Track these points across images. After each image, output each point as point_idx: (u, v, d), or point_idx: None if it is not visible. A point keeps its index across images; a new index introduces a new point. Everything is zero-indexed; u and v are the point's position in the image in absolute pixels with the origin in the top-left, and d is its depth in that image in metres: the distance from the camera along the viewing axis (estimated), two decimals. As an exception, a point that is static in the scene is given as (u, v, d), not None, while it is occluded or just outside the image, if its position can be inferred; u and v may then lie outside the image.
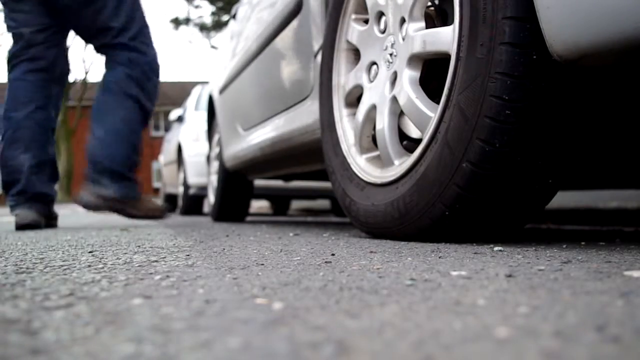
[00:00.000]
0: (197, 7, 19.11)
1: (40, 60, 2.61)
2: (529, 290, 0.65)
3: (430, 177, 1.24)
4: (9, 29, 2.62)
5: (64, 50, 2.75)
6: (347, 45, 1.72)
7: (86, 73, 29.58)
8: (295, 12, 2.12)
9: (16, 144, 2.53)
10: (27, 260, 1.09)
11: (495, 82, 1.08)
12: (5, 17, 2.62)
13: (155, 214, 2.78)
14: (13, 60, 2.62)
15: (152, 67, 2.71)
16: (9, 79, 2.64)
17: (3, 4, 2.61)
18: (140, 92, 2.64)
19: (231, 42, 3.33)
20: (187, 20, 19.21)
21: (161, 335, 0.48)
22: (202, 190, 6.15)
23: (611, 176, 1.97)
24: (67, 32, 2.74)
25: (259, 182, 4.61)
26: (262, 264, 0.98)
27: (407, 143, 1.48)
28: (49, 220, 2.67)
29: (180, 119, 7.50)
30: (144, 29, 2.71)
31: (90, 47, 2.80)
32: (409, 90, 1.36)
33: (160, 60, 2.80)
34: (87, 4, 2.55)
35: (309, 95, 2.06)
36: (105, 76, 2.67)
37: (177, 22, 19.20)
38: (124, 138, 2.58)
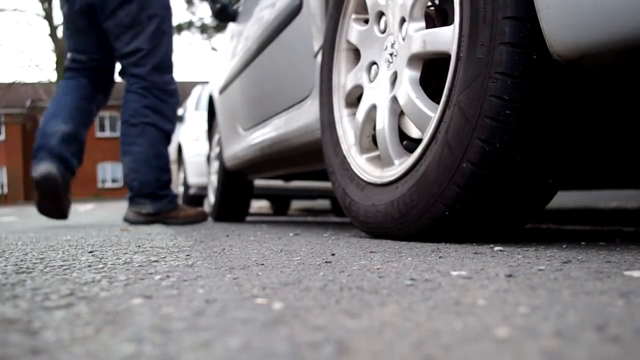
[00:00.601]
0: (193, 12, 19.15)
1: (92, 79, 3.05)
2: (529, 290, 0.65)
3: (431, 177, 1.24)
4: (69, 49, 3.07)
5: (113, 71, 3.15)
6: (347, 45, 1.72)
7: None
8: (295, 12, 2.12)
9: (58, 116, 2.88)
10: (27, 260, 1.09)
11: (495, 82, 1.08)
12: (66, 39, 3.09)
13: (192, 219, 3.04)
14: (69, 72, 3.05)
15: (167, 91, 3.00)
16: (63, 78, 3.08)
17: (67, 29, 3.05)
18: (158, 117, 2.95)
19: (231, 42, 3.33)
20: (189, 25, 19.24)
21: (161, 335, 0.48)
22: (202, 190, 6.15)
23: (611, 176, 1.97)
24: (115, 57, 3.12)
25: (259, 182, 4.61)
26: (262, 264, 0.98)
27: (407, 143, 1.48)
28: (65, 199, 2.81)
29: (180, 119, 7.49)
30: (167, 54, 3.00)
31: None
32: (409, 90, 1.36)
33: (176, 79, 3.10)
34: (128, 29, 2.89)
35: (309, 95, 2.06)
36: (123, 110, 2.98)
37: (179, 28, 19.24)
38: (150, 163, 2.93)
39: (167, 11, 2.97)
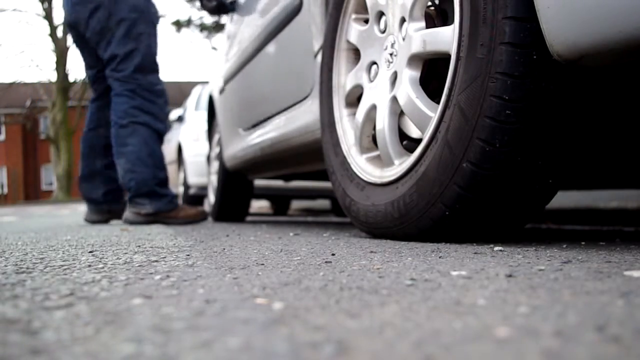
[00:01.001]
0: (199, 8, 19.14)
1: (97, 92, 3.25)
2: (529, 290, 0.65)
3: (431, 177, 1.24)
4: (84, 67, 3.28)
5: None
6: (347, 45, 1.72)
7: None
8: (295, 11, 2.12)
9: (81, 164, 3.30)
10: (27, 260, 1.09)
11: (495, 82, 1.08)
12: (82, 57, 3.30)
13: (192, 219, 3.06)
14: (92, 94, 3.29)
15: (153, 91, 3.02)
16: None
17: (75, 47, 3.26)
18: (147, 116, 2.98)
19: (231, 42, 3.33)
20: (188, 22, 19.26)
21: (161, 335, 0.48)
22: (202, 190, 6.15)
23: (611, 176, 1.97)
24: None
25: (259, 182, 4.60)
26: (262, 264, 0.98)
27: (407, 143, 1.48)
28: (117, 214, 3.26)
29: (180, 119, 7.49)
30: (149, 55, 3.03)
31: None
32: (409, 90, 1.36)
33: (162, 78, 3.13)
34: (101, 37, 2.98)
35: (309, 95, 2.06)
36: (112, 113, 3.02)
37: (178, 25, 19.24)
38: (145, 161, 2.95)
39: (139, 14, 2.98)
